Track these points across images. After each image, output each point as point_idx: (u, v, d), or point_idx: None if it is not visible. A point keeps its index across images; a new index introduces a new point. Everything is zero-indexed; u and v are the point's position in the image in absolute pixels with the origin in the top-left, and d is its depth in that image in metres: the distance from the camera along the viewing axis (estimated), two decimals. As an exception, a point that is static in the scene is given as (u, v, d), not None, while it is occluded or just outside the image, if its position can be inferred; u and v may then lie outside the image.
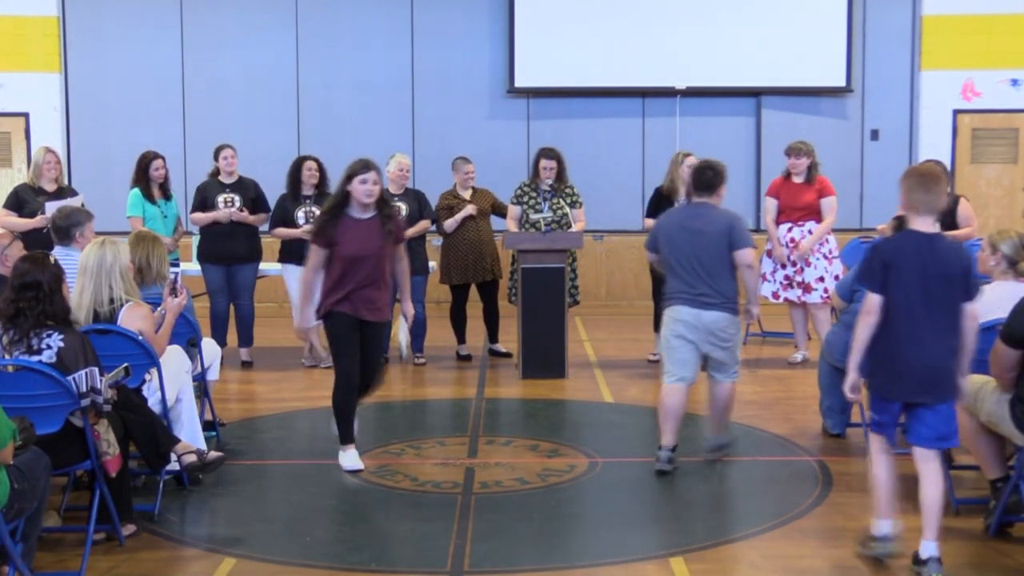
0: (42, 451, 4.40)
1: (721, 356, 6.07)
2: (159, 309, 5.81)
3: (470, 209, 9.12)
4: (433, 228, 9.26)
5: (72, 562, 4.73)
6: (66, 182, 9.33)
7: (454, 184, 9.36)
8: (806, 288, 8.92)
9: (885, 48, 13.17)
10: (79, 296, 5.43)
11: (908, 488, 5.76)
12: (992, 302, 5.32)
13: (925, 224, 4.63)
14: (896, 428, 4.75)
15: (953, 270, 4.54)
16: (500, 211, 9.33)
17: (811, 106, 13.14)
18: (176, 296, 5.83)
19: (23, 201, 8.55)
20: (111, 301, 5.42)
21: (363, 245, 6.02)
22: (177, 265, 6.04)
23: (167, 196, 8.97)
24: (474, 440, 6.80)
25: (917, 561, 4.58)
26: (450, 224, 9.12)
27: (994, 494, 5.08)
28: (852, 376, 4.76)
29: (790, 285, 9.00)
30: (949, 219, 8.39)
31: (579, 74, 12.95)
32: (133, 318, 5.43)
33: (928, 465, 4.63)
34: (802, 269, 8.94)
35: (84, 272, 5.48)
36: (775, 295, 9.11)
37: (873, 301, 4.58)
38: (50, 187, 8.60)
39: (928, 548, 4.55)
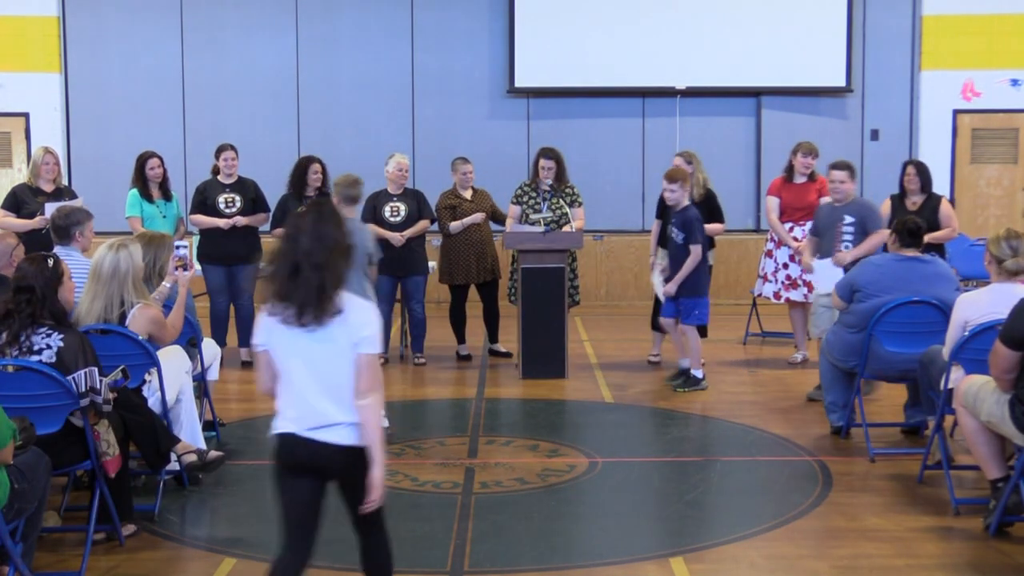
0: (42, 451, 4.40)
1: None
2: (164, 282, 5.93)
3: (477, 217, 9.14)
4: (433, 228, 9.27)
5: (72, 562, 4.73)
6: (64, 183, 9.30)
7: (453, 184, 9.36)
8: (810, 287, 8.92)
9: (885, 48, 13.17)
10: (89, 303, 5.42)
11: (906, 488, 5.77)
12: (990, 303, 5.33)
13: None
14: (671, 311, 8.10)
15: (680, 224, 7.94)
16: (498, 218, 9.34)
17: (811, 106, 13.14)
18: (187, 270, 5.98)
19: (22, 202, 8.54)
20: (121, 304, 5.44)
21: None
22: (186, 247, 6.18)
23: (167, 196, 8.96)
24: (474, 440, 6.80)
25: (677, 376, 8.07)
26: (455, 227, 9.13)
27: (994, 494, 5.08)
28: (665, 285, 8.15)
29: (793, 285, 9.00)
30: (932, 219, 8.39)
31: (579, 74, 12.95)
32: (143, 320, 5.45)
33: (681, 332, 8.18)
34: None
35: (97, 279, 5.45)
36: (776, 295, 9.11)
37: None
38: (48, 187, 8.59)
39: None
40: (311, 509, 3.68)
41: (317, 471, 3.65)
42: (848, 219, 7.77)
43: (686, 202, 8.04)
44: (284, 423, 3.62)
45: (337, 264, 3.55)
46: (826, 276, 7.56)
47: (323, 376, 3.58)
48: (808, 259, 8.10)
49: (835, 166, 8.00)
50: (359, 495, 3.66)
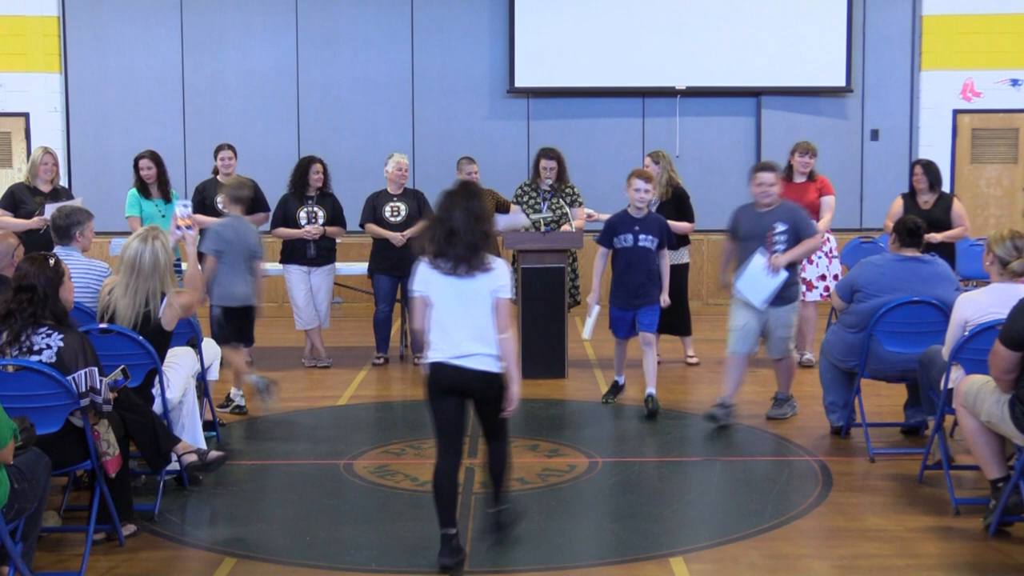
0: (42, 451, 4.40)
1: None
2: (171, 241, 5.99)
3: None
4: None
5: (72, 562, 4.73)
6: (62, 183, 9.24)
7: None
8: (809, 286, 8.94)
9: (885, 48, 13.16)
10: (132, 296, 5.44)
11: (906, 488, 5.77)
12: (990, 303, 5.33)
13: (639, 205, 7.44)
14: (631, 330, 7.54)
15: (656, 229, 7.43)
16: (505, 209, 9.33)
17: (811, 106, 13.13)
18: (191, 228, 6.13)
19: (19, 201, 8.53)
20: (161, 294, 5.48)
21: None
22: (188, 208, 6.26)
23: (167, 197, 8.96)
24: (474, 440, 6.79)
25: (647, 400, 7.38)
26: None
27: (994, 494, 5.08)
28: (595, 294, 7.53)
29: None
30: (944, 218, 8.43)
31: (579, 74, 12.94)
32: (177, 307, 5.56)
33: (648, 345, 7.51)
34: (805, 267, 8.95)
35: (136, 273, 5.46)
36: (776, 295, 9.10)
37: (602, 250, 7.55)
38: (45, 188, 8.58)
39: (650, 390, 7.45)
40: (457, 421, 4.62)
41: (460, 391, 4.58)
42: (780, 227, 6.99)
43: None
44: (435, 353, 4.55)
45: (484, 230, 4.54)
46: (756, 288, 6.96)
47: (468, 316, 4.52)
48: (728, 274, 7.28)
49: (763, 168, 7.22)
50: (492, 410, 4.65)
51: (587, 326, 7.56)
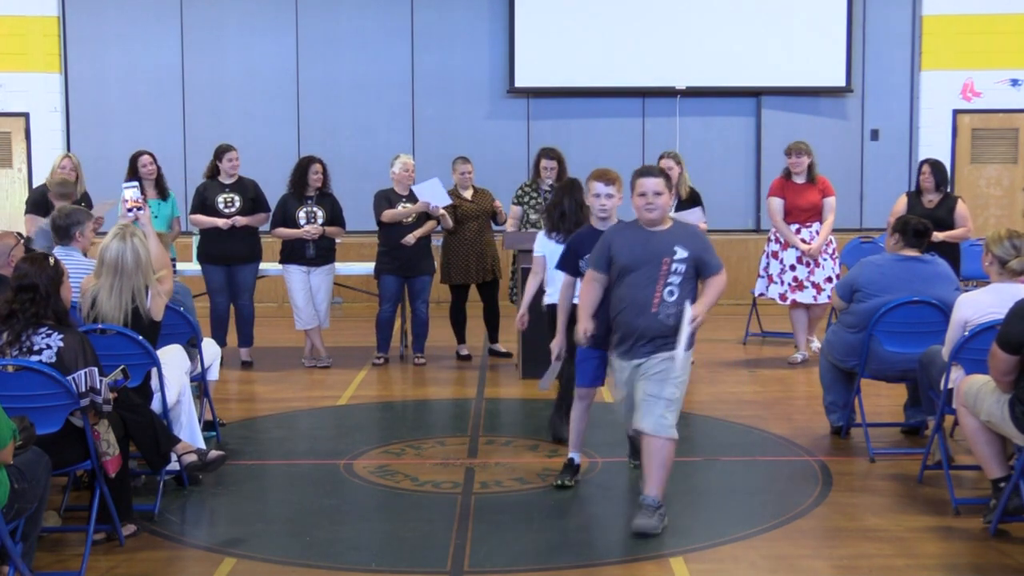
0: (42, 451, 4.39)
1: None
2: (121, 221, 5.99)
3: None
4: (437, 228, 9.27)
5: (72, 562, 4.73)
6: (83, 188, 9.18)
7: (454, 184, 9.36)
8: (818, 288, 8.93)
9: (885, 48, 13.17)
10: (118, 297, 5.43)
11: (906, 488, 5.78)
12: (990, 303, 5.33)
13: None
14: (598, 374, 5.71)
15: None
16: (498, 220, 9.32)
17: (811, 106, 13.14)
18: (141, 209, 6.12)
19: (48, 204, 8.47)
20: (146, 289, 5.49)
21: None
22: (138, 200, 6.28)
23: (163, 196, 8.95)
24: (474, 440, 6.80)
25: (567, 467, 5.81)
26: (447, 224, 9.12)
27: (994, 494, 5.08)
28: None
29: (800, 287, 8.98)
30: (947, 218, 8.45)
31: (579, 74, 12.95)
32: (164, 295, 5.61)
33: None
34: (814, 270, 8.95)
35: (120, 273, 5.45)
36: (783, 297, 9.08)
37: (567, 279, 5.84)
38: None
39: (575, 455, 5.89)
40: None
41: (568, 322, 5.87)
42: (680, 252, 5.07)
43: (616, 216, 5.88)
44: (550, 298, 6.29)
45: (584, 213, 6.26)
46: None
47: None
48: (586, 325, 5.34)
49: (645, 172, 5.21)
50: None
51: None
